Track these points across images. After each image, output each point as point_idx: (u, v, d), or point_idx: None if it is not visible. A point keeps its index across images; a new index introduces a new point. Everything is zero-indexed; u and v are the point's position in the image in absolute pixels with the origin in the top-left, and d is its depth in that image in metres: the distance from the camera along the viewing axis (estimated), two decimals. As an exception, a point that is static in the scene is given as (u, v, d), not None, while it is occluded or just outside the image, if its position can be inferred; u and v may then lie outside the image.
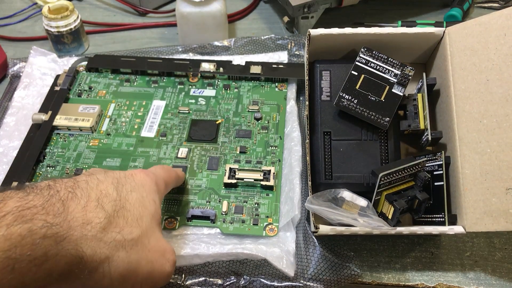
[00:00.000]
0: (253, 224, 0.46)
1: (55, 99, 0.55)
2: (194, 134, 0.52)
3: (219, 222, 0.46)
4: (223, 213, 0.46)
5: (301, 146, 0.50)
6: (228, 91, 0.57)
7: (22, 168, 0.49)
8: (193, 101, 0.56)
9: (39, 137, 0.51)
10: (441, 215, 0.42)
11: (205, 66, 0.57)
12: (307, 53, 0.47)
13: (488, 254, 0.47)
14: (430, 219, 0.44)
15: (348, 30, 0.47)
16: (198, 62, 0.58)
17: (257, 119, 0.53)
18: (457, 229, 0.41)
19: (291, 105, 0.54)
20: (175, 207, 0.47)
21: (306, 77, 0.47)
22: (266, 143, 0.52)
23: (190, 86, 0.57)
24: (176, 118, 0.54)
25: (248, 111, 0.54)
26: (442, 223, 0.42)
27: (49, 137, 0.52)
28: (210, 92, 0.57)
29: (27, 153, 0.50)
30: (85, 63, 0.59)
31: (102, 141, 0.52)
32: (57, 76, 0.58)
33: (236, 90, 0.57)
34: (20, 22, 0.66)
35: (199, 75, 0.58)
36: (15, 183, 0.47)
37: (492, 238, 0.48)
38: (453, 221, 0.42)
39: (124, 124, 0.54)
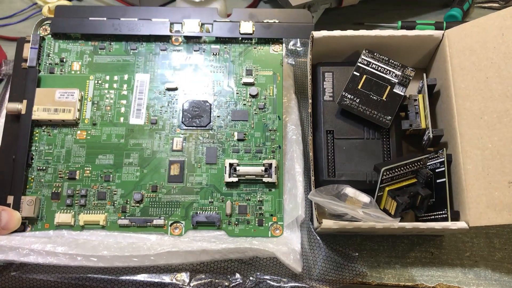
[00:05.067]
0: (258, 225, 0.46)
1: (27, 83, 0.49)
2: (187, 120, 0.49)
3: (224, 225, 0.46)
4: (228, 215, 0.46)
5: (302, 141, 0.50)
6: (217, 57, 0.51)
7: (14, 178, 0.46)
8: (179, 72, 0.50)
9: (22, 136, 0.47)
10: (443, 212, 0.43)
11: (189, 25, 0.50)
12: (310, 55, 0.48)
13: (488, 254, 0.47)
14: (433, 217, 0.44)
15: (350, 32, 0.48)
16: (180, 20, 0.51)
17: (253, 96, 0.49)
18: (460, 224, 0.41)
19: (291, 98, 0.53)
20: (178, 209, 0.46)
21: (309, 77, 0.48)
22: (264, 125, 0.49)
23: (174, 51, 0.51)
24: (164, 98, 0.50)
25: (242, 84, 0.50)
26: (444, 220, 0.43)
27: (31, 132, 0.48)
28: (197, 59, 0.51)
29: (14, 156, 0.47)
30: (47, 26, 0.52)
31: (89, 132, 0.49)
32: (20, 45, 0.50)
33: (227, 55, 0.51)
34: (20, 22, 0.66)
35: (183, 37, 0.51)
36: (11, 197, 0.46)
37: (492, 238, 0.48)
38: (455, 217, 0.43)
39: (108, 108, 0.49)
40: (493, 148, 0.40)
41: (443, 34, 0.48)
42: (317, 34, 0.48)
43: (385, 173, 0.42)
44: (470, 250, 0.48)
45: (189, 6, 0.55)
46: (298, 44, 0.58)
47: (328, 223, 0.41)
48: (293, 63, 0.57)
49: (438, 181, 0.44)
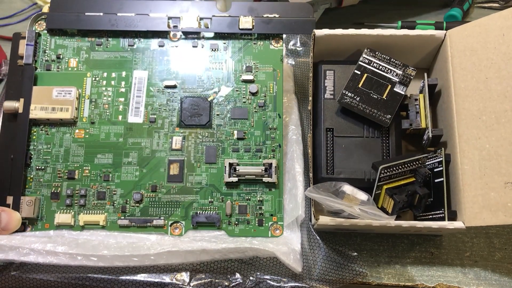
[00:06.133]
0: (258, 225, 0.46)
1: (24, 81, 0.48)
2: (186, 118, 0.48)
3: (224, 225, 0.46)
4: (228, 215, 0.46)
5: (302, 141, 0.50)
6: (217, 53, 0.50)
7: (13, 178, 0.46)
8: (178, 69, 0.50)
9: (20, 136, 0.47)
10: (441, 211, 0.43)
11: (187, 20, 0.50)
12: (312, 53, 0.48)
13: (488, 254, 0.47)
14: (431, 216, 0.44)
15: (352, 31, 0.48)
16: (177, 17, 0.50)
17: (253, 94, 0.49)
18: (457, 224, 0.41)
19: (291, 98, 0.53)
20: (178, 209, 0.46)
21: (311, 74, 0.48)
22: (265, 124, 0.48)
23: (172, 47, 0.51)
24: (162, 96, 0.49)
25: (242, 81, 0.49)
26: (442, 220, 0.43)
27: (29, 131, 0.48)
28: (195, 55, 0.50)
29: (12, 156, 0.47)
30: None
31: (87, 131, 0.48)
32: (15, 42, 0.49)
33: (226, 52, 0.50)
34: (20, 22, 0.66)
35: (181, 33, 0.51)
36: (10, 198, 0.46)
37: (492, 238, 0.48)
38: (452, 217, 0.42)
39: (106, 106, 0.49)
40: (490, 149, 0.40)
41: (445, 34, 0.47)
42: (319, 32, 0.48)
43: (383, 171, 0.42)
44: (470, 250, 0.48)
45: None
46: (298, 44, 0.58)
47: (324, 220, 0.41)
48: (293, 63, 0.57)
49: (436, 180, 0.44)
